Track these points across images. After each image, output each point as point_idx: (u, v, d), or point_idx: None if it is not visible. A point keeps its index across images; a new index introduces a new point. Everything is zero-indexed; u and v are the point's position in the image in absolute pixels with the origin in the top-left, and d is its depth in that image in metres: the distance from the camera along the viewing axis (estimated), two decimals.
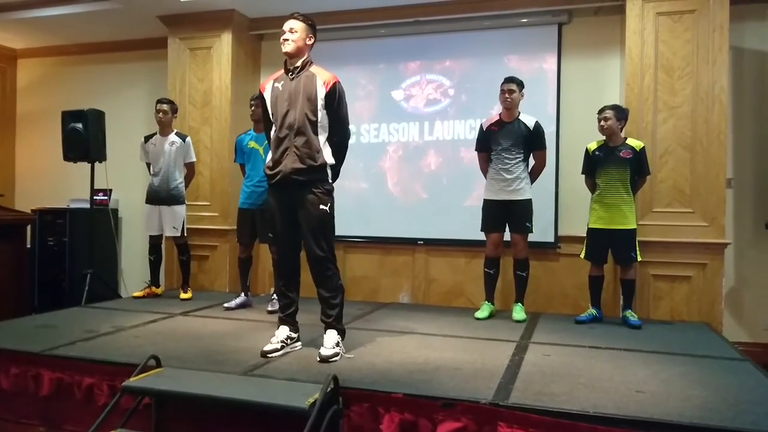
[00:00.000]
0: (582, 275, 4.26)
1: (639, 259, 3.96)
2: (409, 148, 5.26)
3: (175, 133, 4.81)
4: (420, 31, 5.20)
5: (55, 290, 5.63)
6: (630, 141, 4.02)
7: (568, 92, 4.85)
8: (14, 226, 5.19)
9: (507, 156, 4.09)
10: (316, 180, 3.09)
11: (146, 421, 2.76)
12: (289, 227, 3.17)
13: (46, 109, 6.41)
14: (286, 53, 3.13)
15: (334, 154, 3.18)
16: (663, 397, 2.52)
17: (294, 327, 3.25)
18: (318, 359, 3.00)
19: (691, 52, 4.23)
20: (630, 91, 4.34)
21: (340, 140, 3.22)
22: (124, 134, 5.97)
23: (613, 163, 3.96)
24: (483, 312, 4.17)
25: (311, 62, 3.19)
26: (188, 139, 4.83)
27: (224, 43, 5.38)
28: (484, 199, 4.21)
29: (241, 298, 4.46)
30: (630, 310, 4.00)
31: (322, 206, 3.08)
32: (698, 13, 4.22)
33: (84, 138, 5.01)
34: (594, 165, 4.07)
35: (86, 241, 5.39)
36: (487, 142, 4.20)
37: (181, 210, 4.74)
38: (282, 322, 3.24)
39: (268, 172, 3.17)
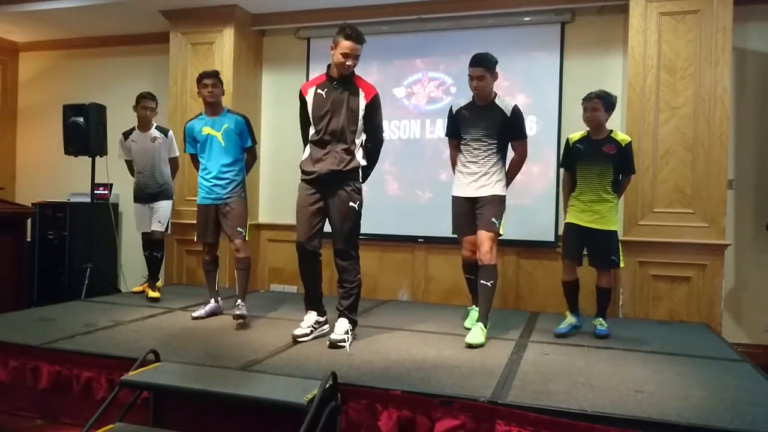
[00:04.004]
0: (581, 275, 4.25)
1: (621, 265, 3.62)
2: (410, 146, 5.25)
3: (156, 128, 4.63)
4: (422, 28, 5.19)
5: (55, 284, 5.63)
6: (615, 135, 3.62)
7: (570, 91, 4.84)
8: (14, 220, 5.19)
9: (476, 146, 3.52)
10: (349, 179, 3.34)
11: (144, 415, 2.76)
12: (315, 219, 3.37)
13: (48, 103, 6.41)
14: (341, 75, 3.33)
15: (367, 158, 3.43)
16: (661, 397, 2.52)
17: (321, 311, 3.50)
18: (327, 344, 3.22)
19: (694, 53, 4.22)
20: (632, 90, 4.34)
21: (374, 145, 3.48)
22: (125, 129, 5.96)
23: (594, 159, 3.57)
24: (472, 320, 3.70)
25: (354, 73, 3.39)
26: (170, 133, 4.67)
27: (226, 39, 5.37)
28: (452, 196, 3.66)
29: (211, 305, 4.02)
30: (601, 319, 3.66)
31: (351, 203, 3.33)
32: (701, 14, 4.21)
33: (85, 132, 5.01)
34: (574, 159, 3.68)
35: (86, 235, 5.39)
36: (457, 128, 3.63)
37: (168, 205, 4.63)
38: (309, 308, 3.48)
39: (306, 168, 3.38)
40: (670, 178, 4.26)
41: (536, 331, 3.76)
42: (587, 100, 3.57)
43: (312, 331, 3.41)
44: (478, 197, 3.50)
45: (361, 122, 3.34)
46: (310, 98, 3.41)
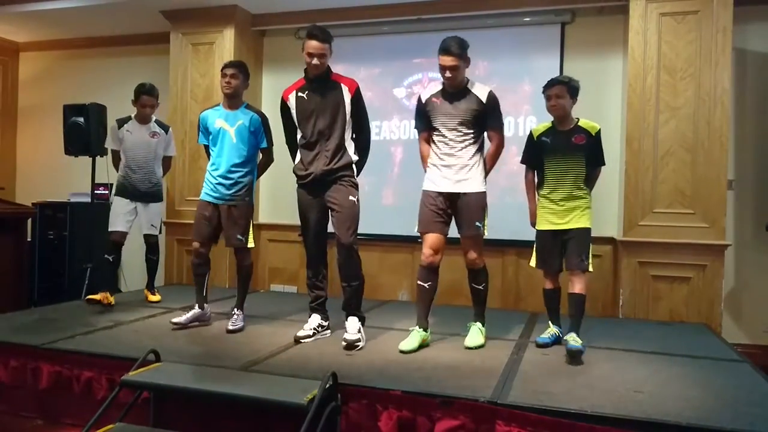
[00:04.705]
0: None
1: (590, 269, 3.26)
2: (410, 146, 5.24)
3: (156, 122, 4.36)
4: (423, 29, 5.19)
5: (55, 284, 5.63)
6: (583, 123, 3.28)
7: None
8: (15, 220, 5.19)
9: (452, 137, 3.24)
10: (344, 175, 3.36)
11: (145, 415, 2.77)
12: (318, 223, 3.42)
13: (48, 103, 6.41)
14: (316, 75, 3.34)
15: (358, 151, 3.45)
16: (661, 397, 2.52)
17: (324, 315, 3.52)
18: (343, 344, 3.22)
19: (694, 54, 4.22)
20: (632, 91, 4.34)
21: (365, 136, 3.50)
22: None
23: (564, 151, 3.24)
24: (411, 342, 3.22)
25: (331, 70, 3.40)
26: (171, 130, 4.48)
27: (226, 39, 5.38)
28: (423, 191, 3.35)
29: (195, 311, 3.70)
30: (574, 335, 3.11)
31: (351, 197, 3.36)
32: (701, 14, 4.21)
33: (85, 132, 5.00)
34: (539, 154, 3.34)
35: (86, 235, 5.39)
36: (428, 119, 3.34)
37: (160, 207, 4.44)
38: (313, 311, 3.51)
39: (300, 173, 3.42)
40: (670, 178, 4.26)
41: (536, 331, 3.74)
42: (549, 87, 3.25)
43: (315, 334, 3.43)
44: (458, 193, 3.24)
45: (349, 116, 3.36)
46: (292, 103, 3.43)
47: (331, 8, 5.18)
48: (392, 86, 5.31)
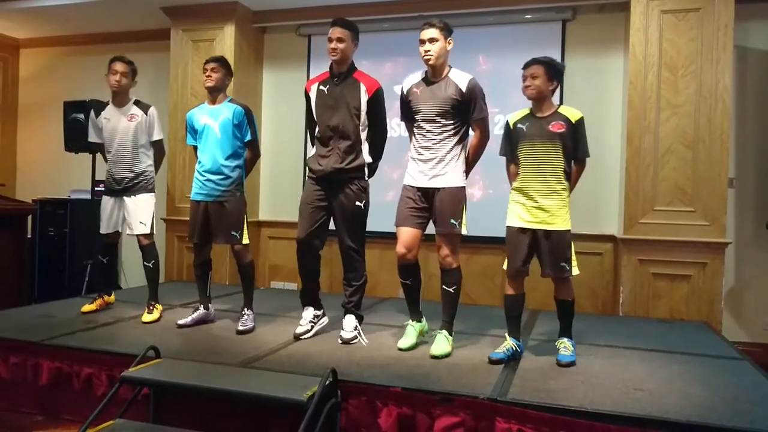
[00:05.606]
0: (583, 272, 4.24)
1: (575, 272, 2.97)
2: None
3: (134, 103, 3.87)
4: None
5: (55, 280, 5.63)
6: (563, 109, 2.99)
7: (571, 90, 4.82)
8: (15, 216, 5.19)
9: (429, 128, 3.10)
10: (355, 177, 3.32)
11: (145, 411, 2.77)
12: (317, 216, 3.34)
13: (48, 100, 6.40)
14: (335, 61, 3.33)
15: (372, 153, 3.40)
16: (661, 395, 2.52)
17: (318, 306, 3.51)
18: (339, 341, 3.26)
19: (695, 51, 4.21)
20: (633, 89, 4.33)
21: (379, 141, 3.44)
22: None
23: (540, 139, 2.93)
24: (408, 339, 3.19)
25: (355, 68, 3.40)
26: (152, 110, 3.88)
27: (227, 36, 5.37)
28: (403, 185, 3.26)
29: (200, 312, 3.67)
30: (565, 340, 3.00)
31: (357, 202, 3.32)
32: (703, 12, 4.20)
33: (86, 129, 4.98)
34: (517, 143, 3.04)
35: (87, 232, 5.38)
36: (412, 110, 3.21)
37: (149, 200, 3.87)
38: (306, 303, 3.49)
39: (312, 167, 3.39)
40: (671, 176, 4.25)
41: (536, 328, 3.76)
42: (525, 66, 2.99)
43: (312, 327, 3.44)
44: (433, 188, 3.10)
45: (364, 117, 3.31)
46: (313, 95, 3.42)
47: (331, 5, 5.17)
48: (393, 83, 5.29)
